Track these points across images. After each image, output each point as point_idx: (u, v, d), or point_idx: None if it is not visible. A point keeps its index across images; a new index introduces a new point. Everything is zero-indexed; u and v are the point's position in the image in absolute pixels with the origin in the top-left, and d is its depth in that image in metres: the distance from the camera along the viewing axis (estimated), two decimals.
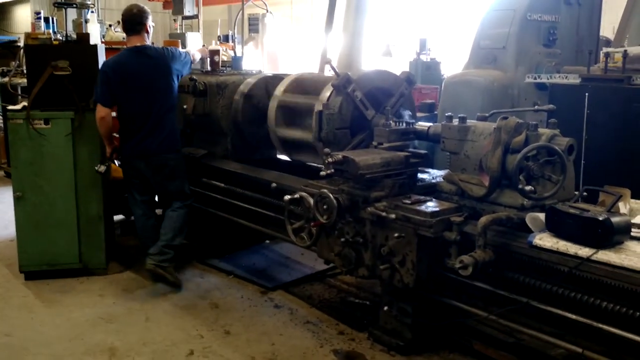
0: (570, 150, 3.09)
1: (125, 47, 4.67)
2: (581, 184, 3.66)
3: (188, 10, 8.69)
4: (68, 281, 4.65)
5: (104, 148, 4.63)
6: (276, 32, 9.88)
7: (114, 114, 4.61)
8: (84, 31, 5.76)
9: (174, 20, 10.28)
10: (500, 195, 3.12)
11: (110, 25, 7.40)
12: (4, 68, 8.80)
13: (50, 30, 6.19)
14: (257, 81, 4.73)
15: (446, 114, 3.52)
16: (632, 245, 2.69)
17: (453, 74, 5.88)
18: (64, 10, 6.40)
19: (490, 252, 2.87)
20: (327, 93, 3.90)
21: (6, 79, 7.56)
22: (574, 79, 4.37)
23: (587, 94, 4.12)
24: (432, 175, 3.81)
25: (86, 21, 6.20)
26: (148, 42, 4.55)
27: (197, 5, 8.73)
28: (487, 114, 3.47)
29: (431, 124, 3.76)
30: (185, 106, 4.90)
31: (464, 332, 3.50)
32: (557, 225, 2.81)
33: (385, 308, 3.55)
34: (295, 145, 4.25)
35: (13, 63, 8.08)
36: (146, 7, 4.57)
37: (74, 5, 6.24)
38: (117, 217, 5.55)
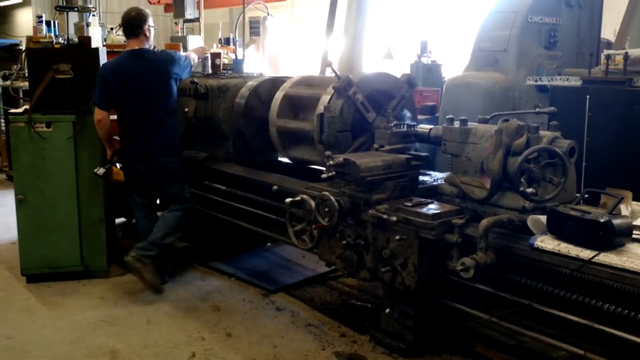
0: (571, 152, 3.09)
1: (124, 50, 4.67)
2: (582, 186, 3.67)
3: (189, 13, 8.70)
4: (69, 284, 4.66)
5: (105, 151, 4.64)
6: (277, 35, 9.88)
7: (114, 116, 4.62)
8: (85, 34, 5.77)
9: (175, 23, 10.28)
10: (502, 198, 3.12)
11: (111, 29, 7.40)
12: (5, 71, 8.82)
13: (52, 34, 6.20)
14: (258, 84, 4.74)
15: (447, 117, 3.52)
16: (633, 247, 2.68)
17: (454, 76, 5.87)
18: (65, 13, 6.41)
19: (491, 254, 2.87)
20: (328, 96, 3.90)
21: (8, 83, 7.59)
22: (575, 82, 4.37)
23: (588, 96, 4.12)
24: (434, 177, 3.81)
25: (88, 24, 6.21)
26: (149, 44, 4.54)
27: (199, 8, 8.74)
28: (488, 117, 3.47)
29: (432, 126, 3.76)
30: (186, 109, 4.90)
31: (465, 334, 3.50)
32: (559, 227, 2.81)
33: (387, 310, 3.55)
34: (294, 137, 4.24)
35: (15, 66, 8.08)
36: (146, 10, 4.56)
37: (76, 9, 6.25)
38: (119, 220, 5.56)
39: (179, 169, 4.62)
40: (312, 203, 3.46)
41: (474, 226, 3.00)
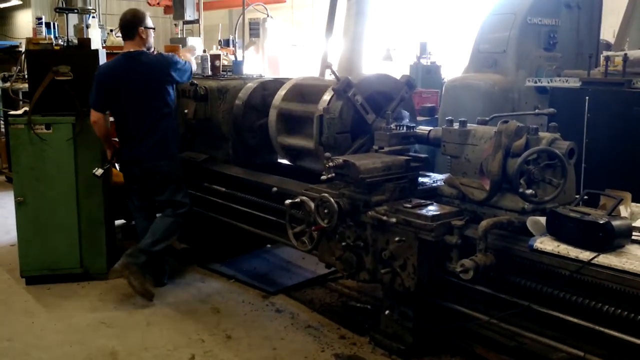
0: (570, 153, 3.09)
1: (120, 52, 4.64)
2: (582, 187, 3.67)
3: (189, 15, 8.71)
4: (69, 286, 4.65)
5: (105, 152, 4.64)
6: (277, 37, 9.89)
7: (112, 118, 4.62)
8: (85, 36, 5.79)
9: (175, 25, 10.30)
10: (501, 199, 3.12)
11: (111, 30, 7.41)
12: (5, 73, 8.82)
13: (52, 36, 6.20)
14: (258, 85, 4.74)
15: (447, 118, 3.52)
16: (633, 248, 2.69)
17: (453, 77, 5.88)
18: (65, 15, 6.43)
19: (491, 255, 2.87)
20: (327, 97, 3.90)
21: (7, 84, 7.58)
22: (574, 83, 4.37)
23: (587, 97, 4.13)
24: (433, 179, 3.81)
25: (87, 26, 6.23)
26: (147, 46, 4.47)
27: (198, 10, 8.75)
28: (487, 118, 3.48)
29: (432, 127, 3.76)
30: (186, 110, 4.91)
31: (465, 335, 3.50)
32: (558, 228, 2.82)
33: (387, 312, 3.55)
34: (297, 152, 4.26)
35: (14, 68, 8.10)
36: (142, 12, 4.49)
37: (75, 11, 6.27)
38: (118, 222, 5.56)
39: (173, 173, 4.53)
40: (312, 205, 3.46)
41: (473, 227, 3.00)
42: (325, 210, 3.37)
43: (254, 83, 4.79)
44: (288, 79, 4.56)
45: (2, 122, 8.18)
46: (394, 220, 3.14)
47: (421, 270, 3.14)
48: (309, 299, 4.41)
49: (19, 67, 7.60)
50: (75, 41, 5.30)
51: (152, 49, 4.66)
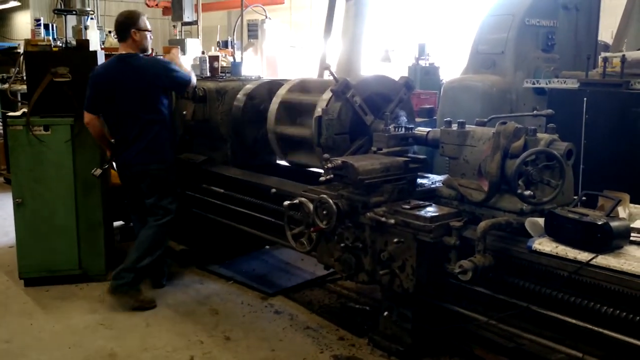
0: (569, 154, 3.10)
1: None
2: (580, 188, 3.67)
3: (187, 16, 8.72)
4: (68, 287, 4.65)
5: (104, 153, 4.64)
6: (275, 38, 9.90)
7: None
8: (83, 38, 5.80)
9: (174, 26, 10.31)
10: (500, 200, 3.12)
11: (110, 32, 7.42)
12: (3, 75, 8.82)
13: (50, 37, 6.21)
14: (256, 87, 4.74)
15: (445, 119, 3.52)
16: (631, 249, 2.69)
17: (452, 79, 5.88)
18: (63, 16, 6.43)
19: (489, 257, 2.87)
20: (326, 97, 3.91)
21: (6, 86, 7.57)
22: (572, 84, 4.38)
23: (585, 98, 4.13)
24: (432, 180, 3.82)
25: (86, 28, 6.23)
26: (142, 48, 4.35)
27: (197, 11, 8.75)
28: (485, 119, 3.48)
29: (430, 129, 3.76)
30: (184, 112, 4.91)
31: (464, 337, 3.50)
32: (556, 229, 2.82)
33: (385, 313, 3.55)
34: (293, 143, 4.25)
35: (13, 69, 8.09)
36: (137, 13, 4.36)
37: (74, 12, 6.27)
38: (117, 223, 5.55)
39: (163, 177, 4.40)
40: (311, 206, 3.46)
41: (471, 229, 3.00)
42: (324, 212, 3.37)
43: (253, 84, 4.79)
44: (287, 80, 4.56)
45: (0, 123, 8.16)
46: (392, 221, 3.14)
47: (420, 272, 3.14)
48: (307, 300, 4.41)
49: (17, 68, 7.59)
50: (74, 42, 5.30)
51: (149, 52, 4.55)
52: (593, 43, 5.77)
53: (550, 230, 2.85)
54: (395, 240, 3.15)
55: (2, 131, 8.09)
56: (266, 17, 9.43)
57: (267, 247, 5.44)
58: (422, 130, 3.77)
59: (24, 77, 5.84)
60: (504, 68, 5.30)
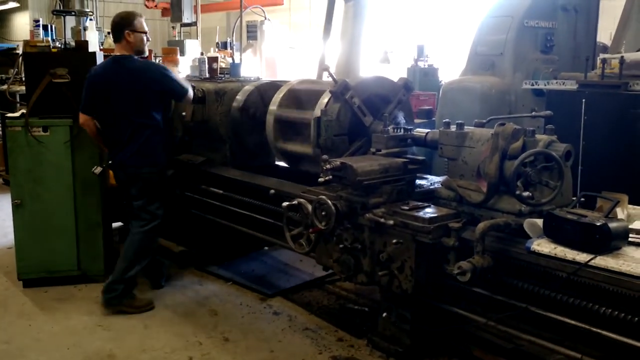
0: (567, 156, 3.10)
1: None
2: (579, 189, 3.67)
3: (187, 17, 8.73)
4: (66, 288, 4.65)
5: (103, 152, 4.63)
6: (274, 39, 9.89)
7: None
8: (82, 39, 5.78)
9: (173, 27, 10.31)
10: (498, 201, 3.12)
11: (109, 33, 7.39)
12: (2, 75, 8.81)
13: (49, 38, 6.19)
14: (255, 88, 4.75)
15: (444, 120, 3.52)
16: (630, 250, 2.69)
17: (451, 80, 5.89)
18: (62, 17, 6.43)
19: (488, 258, 2.87)
20: (325, 100, 3.91)
21: (5, 87, 7.56)
22: (571, 85, 4.39)
23: (584, 100, 4.14)
24: (430, 181, 3.82)
25: (85, 29, 6.22)
26: (137, 50, 4.29)
27: (196, 12, 8.75)
28: (484, 120, 3.48)
29: (429, 130, 3.76)
30: (184, 113, 4.91)
31: (462, 338, 3.50)
32: (555, 231, 2.82)
33: (384, 314, 3.55)
34: (295, 157, 4.27)
35: (11, 70, 8.08)
36: (133, 15, 4.28)
37: (73, 13, 6.27)
38: (116, 224, 5.55)
39: (154, 181, 4.33)
40: (309, 207, 3.46)
41: (470, 230, 3.01)
42: (323, 213, 3.37)
43: (252, 85, 4.79)
44: (285, 82, 4.56)
45: None
46: (391, 222, 3.14)
47: (419, 273, 3.14)
48: (306, 301, 4.41)
49: (16, 69, 7.57)
50: (73, 44, 5.30)
51: (146, 54, 4.49)
52: (592, 44, 5.79)
53: (548, 231, 2.85)
54: (394, 241, 3.15)
55: (0, 132, 8.08)
56: (265, 18, 9.42)
57: (266, 248, 5.43)
58: (421, 131, 3.77)
59: (23, 78, 5.83)
60: (502, 69, 5.31)
